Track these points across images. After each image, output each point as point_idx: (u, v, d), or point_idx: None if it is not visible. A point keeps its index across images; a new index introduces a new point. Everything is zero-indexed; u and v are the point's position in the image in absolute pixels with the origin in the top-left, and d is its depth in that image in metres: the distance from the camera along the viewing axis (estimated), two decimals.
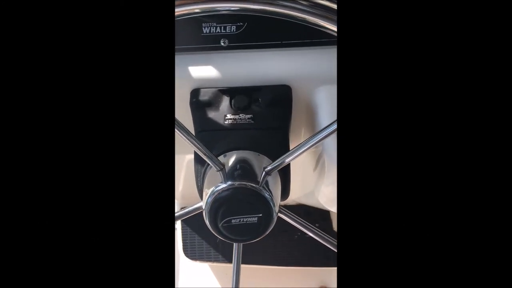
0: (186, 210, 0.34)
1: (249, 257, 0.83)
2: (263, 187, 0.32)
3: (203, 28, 0.37)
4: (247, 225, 0.32)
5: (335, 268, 0.92)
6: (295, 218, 0.35)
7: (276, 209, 0.33)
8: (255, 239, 0.33)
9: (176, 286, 1.00)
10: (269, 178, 0.33)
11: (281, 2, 0.25)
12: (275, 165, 0.32)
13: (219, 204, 0.31)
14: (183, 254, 0.85)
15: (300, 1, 0.26)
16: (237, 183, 0.31)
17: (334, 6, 0.26)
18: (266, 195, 0.32)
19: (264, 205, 0.31)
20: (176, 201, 0.87)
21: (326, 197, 0.51)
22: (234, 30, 0.38)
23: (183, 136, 0.30)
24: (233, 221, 0.32)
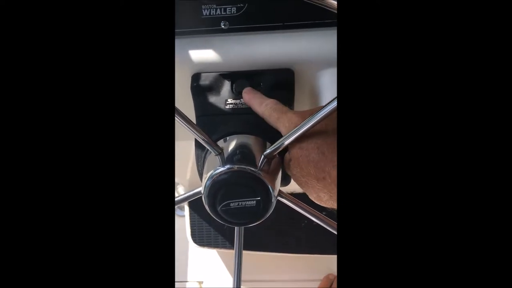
0: (186, 195, 0.35)
1: (257, 244, 0.84)
2: (262, 170, 0.31)
3: (203, 10, 0.37)
4: (246, 208, 0.32)
5: None
6: (296, 202, 0.35)
7: (275, 192, 0.32)
8: (254, 223, 0.33)
9: (185, 272, 1.01)
10: (269, 162, 0.33)
11: None
12: (273, 148, 0.32)
13: (218, 188, 0.31)
14: (191, 241, 0.86)
15: None
16: (236, 166, 0.31)
17: None
18: (265, 178, 0.31)
19: (262, 189, 0.31)
20: (183, 187, 0.88)
21: None
22: (235, 12, 0.37)
23: (180, 122, 0.29)
24: (231, 204, 0.31)
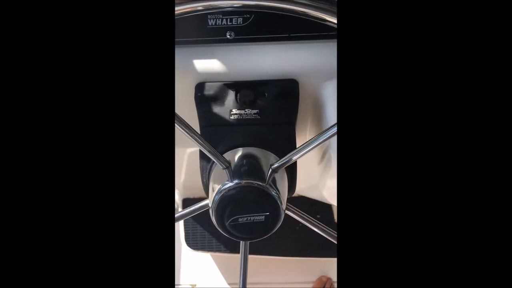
0: (192, 208, 0.34)
1: (251, 248, 0.84)
2: (269, 185, 0.31)
3: (209, 20, 0.36)
4: (254, 223, 0.31)
5: (335, 258, 0.93)
6: (302, 215, 0.35)
7: (284, 206, 0.32)
8: (262, 237, 0.33)
9: (178, 275, 1.01)
10: (276, 175, 0.33)
11: None
12: (282, 163, 0.32)
13: (226, 203, 0.31)
14: (185, 244, 0.86)
15: None
16: (243, 181, 0.31)
17: None
18: (273, 193, 0.31)
19: (271, 204, 0.31)
20: (177, 191, 0.87)
21: (330, 191, 0.50)
22: (241, 22, 0.37)
23: (187, 134, 0.29)
24: (240, 219, 0.31)
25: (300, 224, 0.87)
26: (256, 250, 0.84)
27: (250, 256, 0.86)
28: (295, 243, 0.84)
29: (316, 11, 0.26)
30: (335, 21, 0.26)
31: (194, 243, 0.86)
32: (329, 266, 0.98)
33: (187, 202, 0.84)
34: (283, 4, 0.26)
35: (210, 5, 0.26)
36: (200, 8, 0.26)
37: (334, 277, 0.97)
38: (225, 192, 0.31)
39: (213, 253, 0.87)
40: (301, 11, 0.26)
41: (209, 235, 0.85)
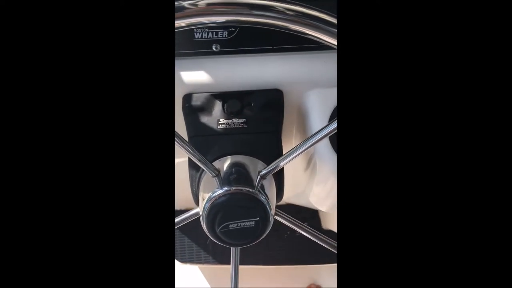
0: (183, 217, 0.35)
1: (240, 258, 0.83)
2: (258, 191, 0.32)
3: (195, 33, 0.38)
4: (244, 229, 0.32)
5: (325, 265, 0.93)
6: (291, 220, 0.36)
7: (273, 212, 0.33)
8: (252, 243, 0.34)
9: None
10: (264, 182, 0.34)
11: (273, 15, 0.26)
12: (270, 169, 0.33)
13: (217, 210, 0.32)
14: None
15: (290, 12, 0.26)
16: (233, 188, 0.32)
17: (323, 16, 0.27)
18: (262, 198, 0.32)
19: (260, 209, 0.32)
20: None
21: (317, 197, 0.52)
22: (226, 35, 0.38)
23: (178, 143, 0.30)
24: (230, 226, 0.32)
25: (289, 232, 0.86)
26: (245, 259, 0.83)
27: (239, 267, 0.85)
28: (283, 251, 0.85)
29: (297, 25, 0.28)
30: (317, 35, 0.28)
31: (182, 256, 0.85)
32: (318, 274, 0.98)
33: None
34: (273, 20, 0.27)
35: (193, 22, 0.27)
36: (183, 24, 0.27)
37: (323, 284, 0.98)
38: (215, 199, 0.31)
39: (201, 265, 0.87)
40: (283, 26, 0.28)
41: (196, 247, 0.84)
